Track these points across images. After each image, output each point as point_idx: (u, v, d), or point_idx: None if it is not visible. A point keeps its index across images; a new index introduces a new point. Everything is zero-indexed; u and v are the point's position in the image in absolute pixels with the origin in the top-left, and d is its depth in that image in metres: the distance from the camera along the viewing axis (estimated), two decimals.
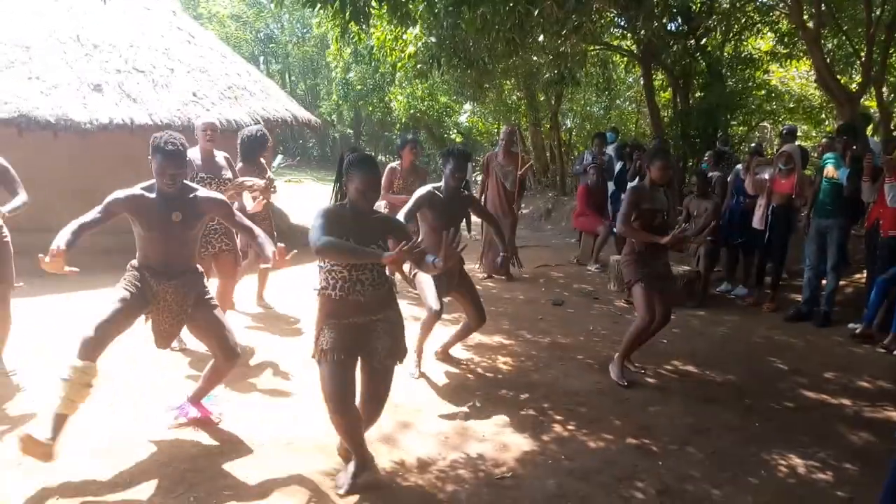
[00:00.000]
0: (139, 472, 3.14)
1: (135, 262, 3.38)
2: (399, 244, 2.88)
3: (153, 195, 3.26)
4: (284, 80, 29.20)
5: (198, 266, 3.53)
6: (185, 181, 3.35)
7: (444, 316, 4.81)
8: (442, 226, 4.21)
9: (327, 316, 3.01)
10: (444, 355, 4.91)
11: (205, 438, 3.52)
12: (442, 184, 4.47)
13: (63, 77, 7.53)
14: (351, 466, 3.09)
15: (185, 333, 4.50)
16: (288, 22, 28.78)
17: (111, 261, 3.39)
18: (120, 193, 3.23)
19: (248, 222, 3.52)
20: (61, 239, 2.99)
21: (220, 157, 4.98)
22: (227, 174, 4.93)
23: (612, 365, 4.65)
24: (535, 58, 9.56)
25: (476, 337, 5.45)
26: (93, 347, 3.10)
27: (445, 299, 4.52)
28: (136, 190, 3.27)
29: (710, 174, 7.41)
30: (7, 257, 4.07)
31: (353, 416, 2.97)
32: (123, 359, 4.39)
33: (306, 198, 13.92)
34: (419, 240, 2.79)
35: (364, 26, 6.26)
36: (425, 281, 4.38)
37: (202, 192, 3.43)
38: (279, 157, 22.46)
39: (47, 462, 2.96)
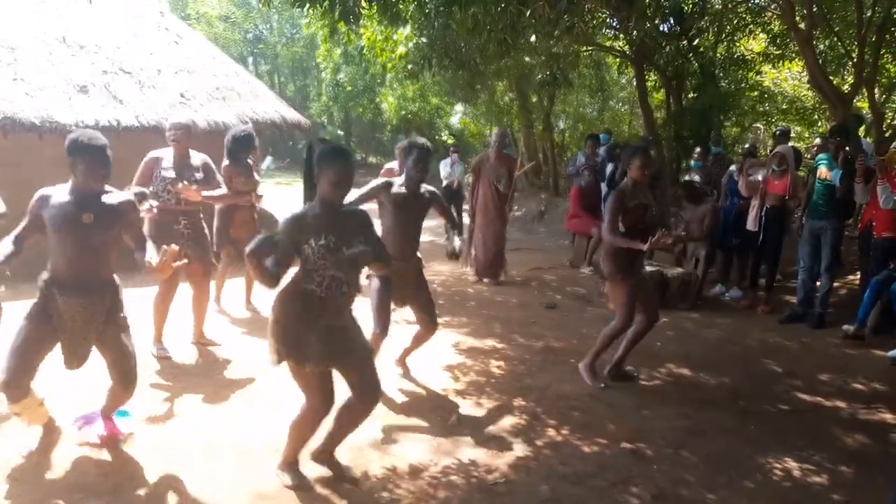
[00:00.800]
0: (115, 480, 3.07)
1: (45, 274, 3.10)
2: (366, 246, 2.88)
3: (68, 196, 3.05)
4: (273, 81, 29.16)
5: (114, 278, 3.23)
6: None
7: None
8: (402, 223, 4.11)
9: (304, 319, 2.87)
10: (401, 363, 4.65)
11: (195, 443, 3.45)
12: (403, 179, 4.20)
13: (49, 78, 7.44)
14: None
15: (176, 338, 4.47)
16: (277, 23, 28.77)
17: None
18: (40, 191, 3.07)
19: (142, 233, 3.30)
20: None
21: (196, 159, 4.83)
22: (199, 175, 4.75)
23: (583, 369, 4.55)
24: (527, 59, 9.55)
25: (468, 340, 5.41)
26: (15, 389, 3.00)
27: (401, 309, 4.41)
28: (54, 188, 3.08)
29: (695, 178, 7.43)
30: None
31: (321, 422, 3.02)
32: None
33: (295, 200, 13.83)
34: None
35: (354, 26, 6.21)
36: (376, 291, 4.11)
37: (116, 194, 3.20)
38: (268, 159, 22.35)
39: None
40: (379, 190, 4.13)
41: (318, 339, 2.86)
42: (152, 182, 4.64)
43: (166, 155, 4.71)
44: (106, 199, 3.11)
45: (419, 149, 4.15)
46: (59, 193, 3.05)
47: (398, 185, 4.16)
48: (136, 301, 4.86)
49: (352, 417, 3.09)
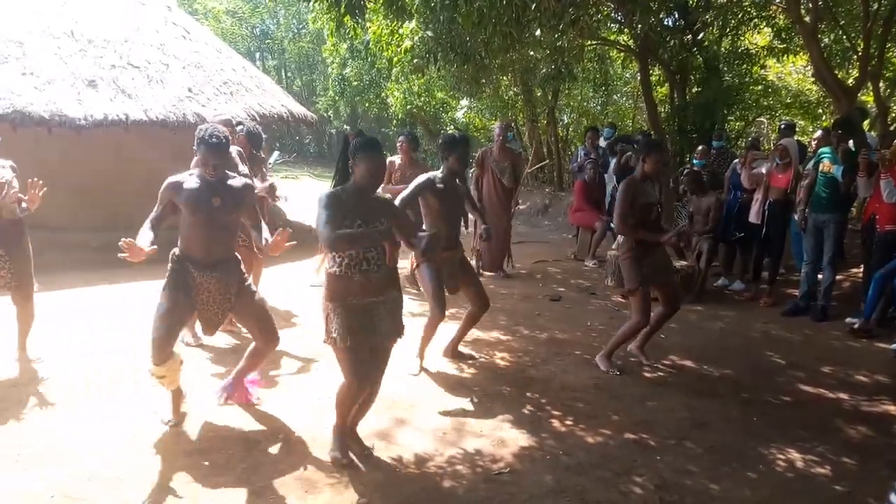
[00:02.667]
0: (135, 469, 3.13)
1: (177, 250, 3.46)
2: (400, 229, 3.05)
3: (197, 181, 3.40)
4: (280, 76, 29.14)
5: (237, 254, 3.62)
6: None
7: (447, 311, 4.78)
8: (446, 214, 4.28)
9: (333, 297, 3.05)
10: (454, 353, 4.84)
11: (200, 436, 3.51)
12: (440, 173, 4.43)
13: (57, 72, 7.49)
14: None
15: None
16: (284, 17, 28.73)
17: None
18: (169, 179, 3.40)
19: (258, 215, 3.68)
20: (141, 240, 3.21)
21: (233, 151, 4.91)
22: (242, 168, 4.89)
23: (599, 359, 4.69)
24: (531, 53, 9.52)
25: (474, 333, 5.44)
26: (160, 352, 3.37)
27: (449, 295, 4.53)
28: (182, 175, 3.44)
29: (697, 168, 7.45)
30: (29, 259, 4.25)
31: (361, 396, 3.16)
32: (136, 354, 4.45)
33: (303, 194, 13.88)
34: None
35: (359, 20, 6.24)
36: (429, 280, 4.36)
37: (238, 179, 3.57)
38: (275, 154, 22.36)
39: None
40: (425, 188, 4.32)
41: (344, 316, 3.02)
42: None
43: None
44: (230, 184, 3.47)
45: (462, 143, 4.40)
46: (190, 179, 3.41)
47: (438, 180, 4.38)
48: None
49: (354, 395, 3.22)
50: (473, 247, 7.53)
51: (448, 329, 4.93)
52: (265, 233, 3.58)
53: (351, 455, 3.23)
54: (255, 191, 4.77)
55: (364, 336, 3.06)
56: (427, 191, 4.32)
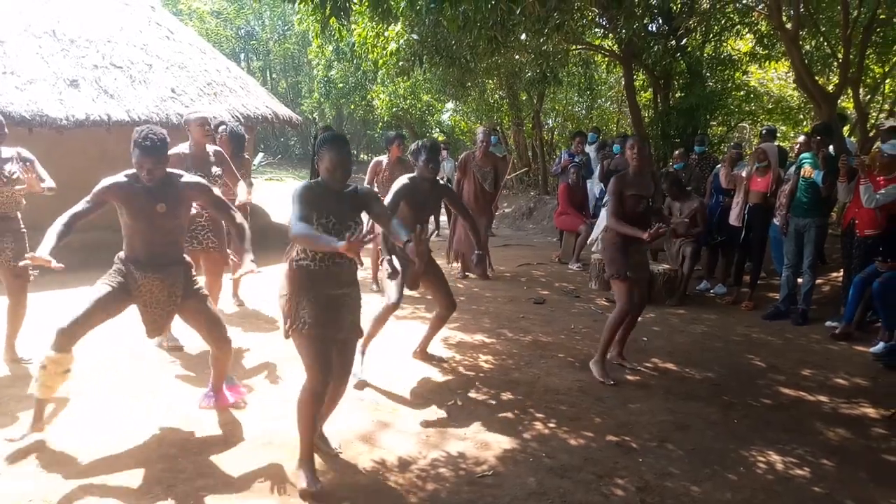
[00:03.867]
0: (116, 474, 3.09)
1: (122, 254, 3.38)
2: (378, 218, 3.06)
3: (138, 184, 3.26)
4: (265, 78, 29.01)
5: (185, 256, 3.54)
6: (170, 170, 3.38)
7: (419, 312, 4.77)
8: (414, 217, 4.21)
9: (303, 288, 3.00)
10: (423, 355, 4.85)
11: (182, 439, 3.48)
12: (416, 175, 4.40)
13: (39, 72, 7.41)
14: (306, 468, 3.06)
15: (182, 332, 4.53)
16: (269, 19, 28.63)
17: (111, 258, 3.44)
18: (107, 181, 3.25)
19: (239, 217, 3.61)
20: (45, 246, 3.07)
21: (210, 151, 4.85)
22: (216, 170, 4.81)
23: (593, 364, 4.66)
24: (517, 56, 9.58)
25: (457, 335, 5.45)
26: (67, 339, 3.19)
27: (413, 292, 4.50)
28: (121, 177, 3.27)
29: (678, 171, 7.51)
30: (24, 250, 4.17)
31: (324, 395, 3.03)
32: (128, 354, 4.46)
33: (287, 196, 13.83)
34: (365, 231, 2.82)
35: (345, 22, 6.23)
36: (394, 270, 4.26)
37: (187, 177, 3.45)
38: (260, 155, 22.31)
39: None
40: (405, 192, 4.27)
41: (313, 305, 2.97)
42: None
43: (184, 151, 4.69)
44: (176, 185, 3.36)
45: (427, 149, 4.35)
46: (132, 182, 3.26)
47: (416, 182, 4.35)
48: None
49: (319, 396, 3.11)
50: (455, 250, 7.54)
51: (413, 330, 4.90)
52: (247, 242, 3.53)
53: (320, 480, 3.04)
54: (237, 202, 4.77)
55: (331, 331, 3.02)
56: (407, 194, 4.29)
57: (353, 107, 20.92)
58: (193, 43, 9.81)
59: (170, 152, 4.63)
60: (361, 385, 4.23)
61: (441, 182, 4.56)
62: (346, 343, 3.17)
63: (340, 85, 19.87)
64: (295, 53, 27.36)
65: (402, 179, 4.35)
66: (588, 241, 8.32)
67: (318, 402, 3.01)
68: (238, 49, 29.06)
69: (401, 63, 9.25)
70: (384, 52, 9.36)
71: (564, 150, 10.13)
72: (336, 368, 3.11)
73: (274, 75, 30.04)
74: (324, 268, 3.00)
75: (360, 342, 4.21)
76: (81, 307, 3.23)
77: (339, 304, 3.06)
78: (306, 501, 2.95)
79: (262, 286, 6.54)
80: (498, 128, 16.08)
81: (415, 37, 7.76)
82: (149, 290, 3.34)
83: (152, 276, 3.32)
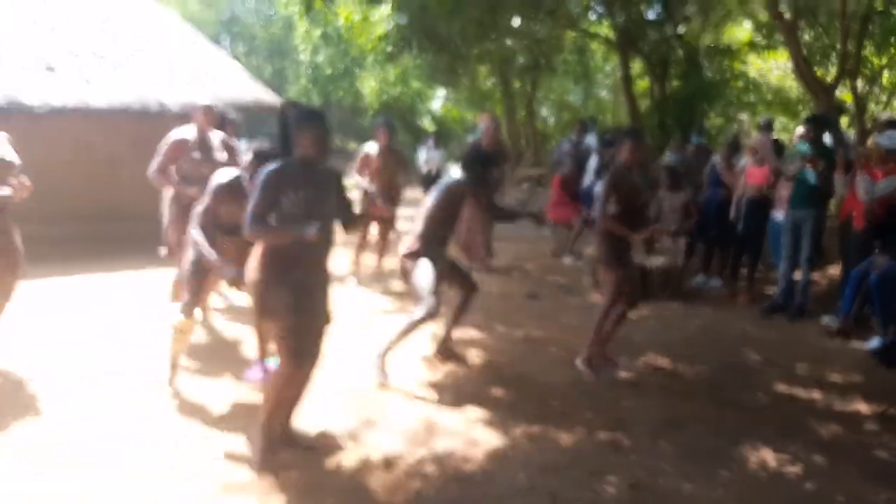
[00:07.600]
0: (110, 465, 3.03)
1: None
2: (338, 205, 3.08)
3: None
4: (250, 63, 28.58)
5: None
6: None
7: (407, 307, 4.62)
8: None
9: (280, 272, 2.94)
10: (446, 353, 4.59)
11: (180, 427, 3.47)
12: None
13: (16, 58, 7.22)
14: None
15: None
16: (253, 2, 28.25)
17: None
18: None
19: None
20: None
21: (215, 138, 4.81)
22: (221, 155, 4.74)
23: (581, 361, 4.51)
24: (508, 42, 9.42)
25: None
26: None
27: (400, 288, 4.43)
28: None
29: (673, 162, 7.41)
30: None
31: (297, 380, 3.01)
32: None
33: None
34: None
35: (329, 3, 6.07)
36: (424, 273, 4.13)
37: None
38: (244, 143, 22.02)
39: None
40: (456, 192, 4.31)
41: (287, 293, 2.91)
42: (178, 164, 4.61)
43: (190, 135, 4.65)
44: None
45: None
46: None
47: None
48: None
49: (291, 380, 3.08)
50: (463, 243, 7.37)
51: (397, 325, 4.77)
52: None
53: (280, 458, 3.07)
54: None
55: (304, 319, 2.96)
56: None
57: (341, 94, 20.69)
58: (176, 28, 9.63)
59: (174, 137, 4.58)
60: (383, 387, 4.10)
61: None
62: (319, 330, 3.09)
63: (328, 71, 19.66)
64: (281, 39, 27.01)
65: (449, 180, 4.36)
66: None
67: (288, 386, 3.02)
68: (222, 34, 28.63)
69: (389, 48, 9.07)
70: (372, 37, 9.20)
71: (564, 140, 9.96)
72: (308, 356, 3.04)
73: (259, 61, 29.64)
74: (294, 254, 2.93)
75: (379, 352, 4.15)
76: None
77: (312, 289, 3.01)
78: (260, 475, 3.01)
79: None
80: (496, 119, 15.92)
81: (404, 20, 7.59)
82: None
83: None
